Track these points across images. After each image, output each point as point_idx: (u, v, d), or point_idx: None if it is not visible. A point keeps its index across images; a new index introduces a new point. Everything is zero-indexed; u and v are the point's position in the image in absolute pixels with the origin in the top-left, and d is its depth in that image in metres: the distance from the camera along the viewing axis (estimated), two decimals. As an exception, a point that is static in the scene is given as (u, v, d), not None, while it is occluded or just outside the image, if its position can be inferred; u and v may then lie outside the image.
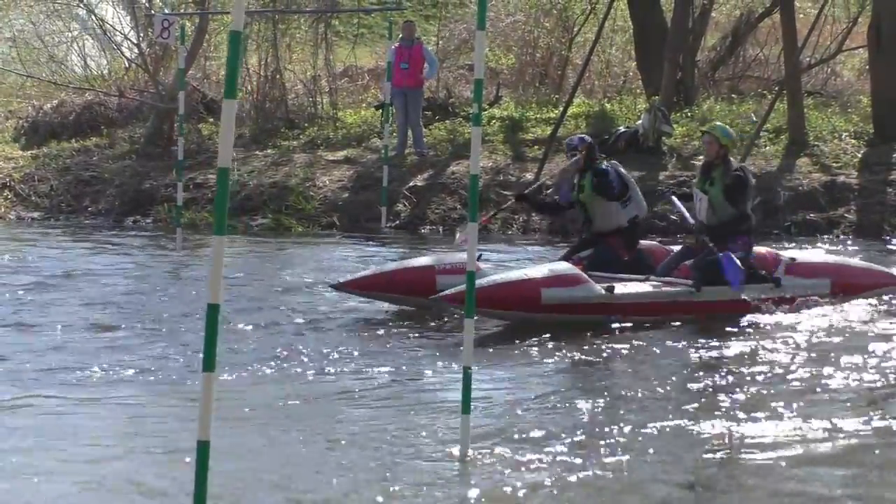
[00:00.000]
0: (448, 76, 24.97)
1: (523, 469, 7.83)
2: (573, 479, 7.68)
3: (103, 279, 15.04)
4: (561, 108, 21.97)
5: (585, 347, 11.09)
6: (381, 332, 12.04)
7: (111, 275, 15.40)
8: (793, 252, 13.30)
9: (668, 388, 9.82)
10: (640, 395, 9.61)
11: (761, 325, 11.88)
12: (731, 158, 12.70)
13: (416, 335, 11.83)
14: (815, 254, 13.83)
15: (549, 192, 16.27)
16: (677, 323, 11.98)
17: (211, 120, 23.28)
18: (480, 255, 12.64)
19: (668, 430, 8.58)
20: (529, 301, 11.56)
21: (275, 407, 9.54)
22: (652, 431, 8.54)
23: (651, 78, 22.55)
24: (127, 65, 25.39)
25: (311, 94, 24.30)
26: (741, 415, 8.97)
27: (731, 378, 10.15)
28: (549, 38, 25.91)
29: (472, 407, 8.17)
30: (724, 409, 9.16)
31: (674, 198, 13.43)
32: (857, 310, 12.43)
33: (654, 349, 11.14)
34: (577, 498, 7.44)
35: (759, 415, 8.94)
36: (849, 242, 17.74)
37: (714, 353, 10.99)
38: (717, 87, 24.56)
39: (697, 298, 12.07)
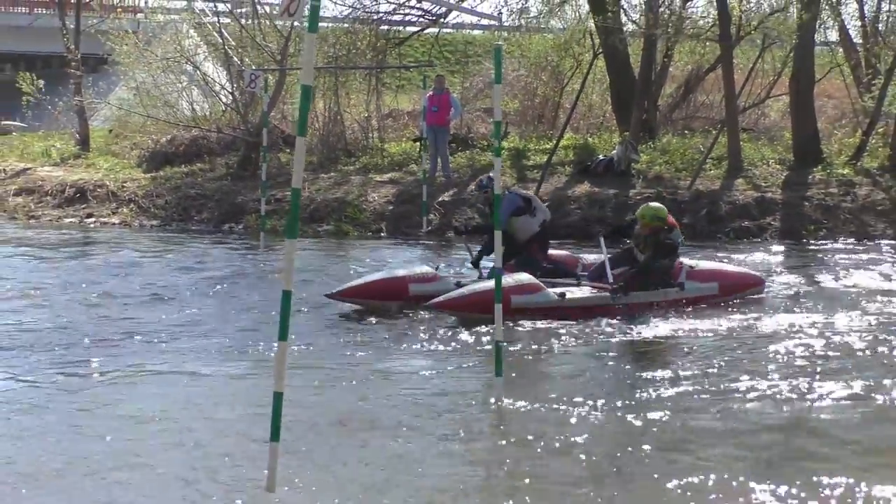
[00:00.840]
0: (469, 117, 25.04)
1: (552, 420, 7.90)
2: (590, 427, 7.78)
3: (206, 271, 15.21)
4: (554, 142, 22.03)
5: (600, 336, 10.83)
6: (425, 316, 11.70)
7: (212, 268, 15.57)
8: (693, 261, 12.84)
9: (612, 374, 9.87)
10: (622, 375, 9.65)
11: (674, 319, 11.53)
12: (663, 230, 12.06)
13: (449, 321, 11.41)
14: (706, 262, 13.25)
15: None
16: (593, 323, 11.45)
17: (288, 150, 23.37)
18: (438, 267, 12.62)
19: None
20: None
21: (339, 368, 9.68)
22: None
23: (623, 118, 22.55)
24: (223, 108, 25.43)
25: (364, 130, 24.37)
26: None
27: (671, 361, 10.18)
28: (544, 88, 25.90)
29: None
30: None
31: (601, 239, 12.70)
32: (736, 304, 12.28)
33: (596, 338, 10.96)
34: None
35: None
36: (774, 244, 17.67)
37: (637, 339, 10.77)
38: (674, 125, 24.50)
39: (623, 301, 11.73)
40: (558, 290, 11.76)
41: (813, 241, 17.85)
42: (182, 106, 26.25)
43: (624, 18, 23.64)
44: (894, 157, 20.40)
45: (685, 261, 12.51)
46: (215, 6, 26.33)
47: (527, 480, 6.73)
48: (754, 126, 24.75)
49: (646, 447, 7.24)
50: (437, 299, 11.42)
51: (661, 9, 22.23)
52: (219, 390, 8.88)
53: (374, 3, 24.84)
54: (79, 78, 26.56)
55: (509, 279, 11.16)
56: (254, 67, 21.00)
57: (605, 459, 7.12)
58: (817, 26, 22.08)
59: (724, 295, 12.33)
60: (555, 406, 8.14)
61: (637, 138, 21.45)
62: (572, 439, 7.41)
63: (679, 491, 6.53)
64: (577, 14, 25.92)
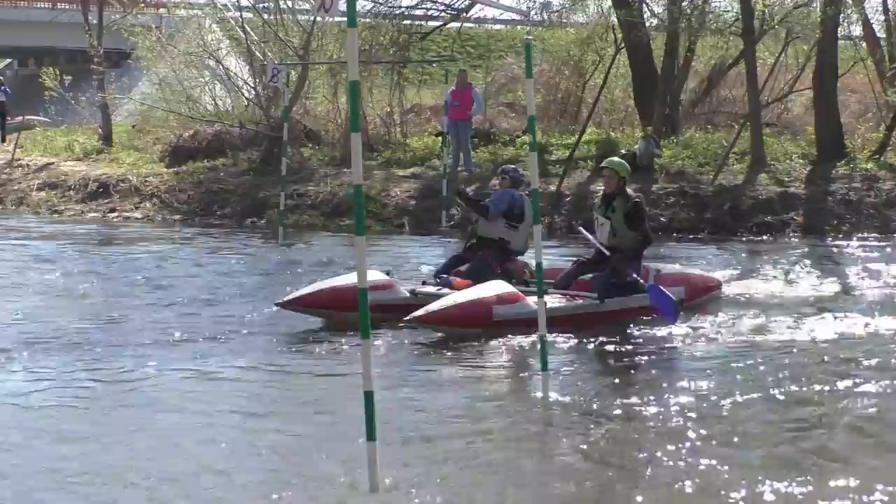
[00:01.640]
0: (491, 112, 25.07)
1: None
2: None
3: (228, 263, 15.39)
4: (577, 136, 22.03)
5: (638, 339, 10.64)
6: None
7: (234, 259, 15.75)
8: (660, 264, 12.57)
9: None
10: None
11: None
12: (628, 189, 11.76)
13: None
14: (672, 267, 12.82)
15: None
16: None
17: (310, 146, 23.48)
18: (389, 272, 11.78)
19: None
20: (483, 317, 10.56)
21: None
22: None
23: (645, 113, 22.53)
24: (246, 103, 25.50)
25: (387, 125, 24.47)
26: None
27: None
28: (567, 83, 25.96)
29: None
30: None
31: (581, 228, 12.10)
32: (704, 305, 12.10)
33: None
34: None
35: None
36: (796, 240, 17.62)
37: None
38: (697, 120, 24.53)
39: (602, 309, 11.23)
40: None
41: (835, 237, 17.81)
42: (204, 101, 26.36)
43: (646, 13, 23.71)
44: (918, 151, 20.42)
45: (650, 265, 12.12)
46: (238, 1, 26.49)
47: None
48: (777, 121, 24.72)
49: (669, 447, 7.22)
50: (416, 313, 10.49)
51: (684, 3, 22.23)
52: (277, 389, 8.95)
53: (396, -3, 24.94)
54: (101, 73, 26.76)
55: (489, 290, 10.80)
56: (276, 62, 21.07)
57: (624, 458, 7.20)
58: (841, 20, 22.01)
59: (689, 300, 11.78)
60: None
61: (659, 133, 21.46)
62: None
63: (690, 490, 6.54)
64: (600, 8, 26.01)
